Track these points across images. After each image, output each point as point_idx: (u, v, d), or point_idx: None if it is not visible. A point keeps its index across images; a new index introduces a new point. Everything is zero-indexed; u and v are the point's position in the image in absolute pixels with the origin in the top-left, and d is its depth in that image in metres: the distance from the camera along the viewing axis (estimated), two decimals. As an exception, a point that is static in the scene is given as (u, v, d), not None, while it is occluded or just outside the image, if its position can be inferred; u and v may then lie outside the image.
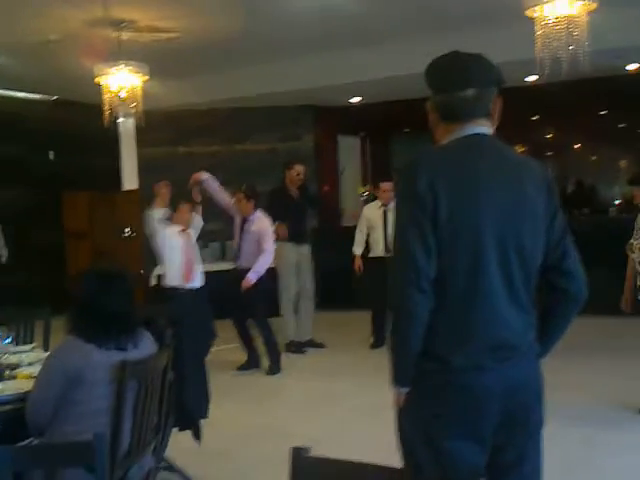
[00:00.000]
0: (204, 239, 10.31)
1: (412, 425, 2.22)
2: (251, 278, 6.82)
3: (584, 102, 11.04)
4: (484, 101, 2.22)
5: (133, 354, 3.08)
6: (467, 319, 2.13)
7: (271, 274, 7.35)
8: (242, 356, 7.25)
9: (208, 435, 4.42)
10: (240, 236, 7.16)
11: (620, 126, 13.80)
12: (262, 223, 7.07)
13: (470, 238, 2.10)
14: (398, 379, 2.22)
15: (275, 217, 7.50)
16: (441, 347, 2.14)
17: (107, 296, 3.08)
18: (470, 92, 2.19)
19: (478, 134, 2.21)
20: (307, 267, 8.10)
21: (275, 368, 7.08)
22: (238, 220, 7.18)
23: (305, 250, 8.08)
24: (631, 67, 9.25)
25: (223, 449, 4.88)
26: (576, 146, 17.40)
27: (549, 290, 2.29)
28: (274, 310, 7.76)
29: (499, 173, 2.16)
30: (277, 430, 5.34)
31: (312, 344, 8.04)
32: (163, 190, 8.23)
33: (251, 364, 7.19)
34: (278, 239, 7.56)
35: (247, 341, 7.21)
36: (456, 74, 2.22)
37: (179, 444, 4.16)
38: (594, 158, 17.71)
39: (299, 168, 8.15)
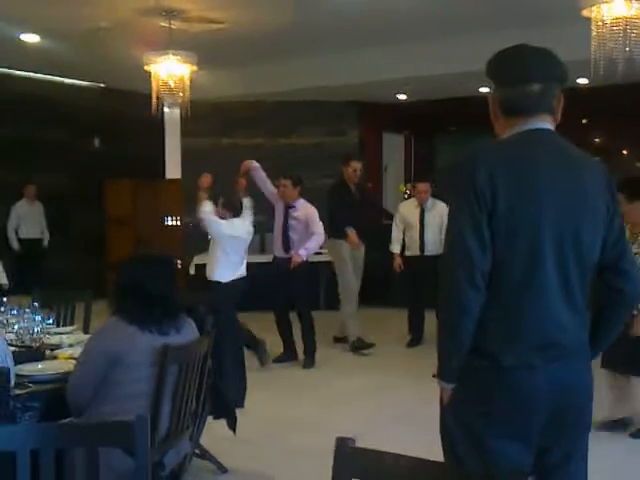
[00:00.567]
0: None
1: (456, 421, 2.19)
2: (302, 254, 6.80)
3: (635, 106, 10.84)
4: (547, 97, 2.17)
5: (175, 339, 3.09)
6: (519, 316, 2.09)
7: (318, 268, 7.37)
8: (279, 348, 7.25)
9: (241, 424, 4.42)
10: (284, 225, 7.11)
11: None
12: (307, 209, 7.06)
13: (528, 233, 2.06)
14: (445, 375, 2.19)
15: (336, 214, 7.48)
16: (491, 344, 2.10)
17: (151, 279, 3.10)
18: (534, 87, 2.15)
19: (540, 129, 2.17)
20: (360, 266, 7.95)
21: (310, 362, 7.06)
22: (281, 208, 7.11)
23: (361, 248, 7.88)
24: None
25: (255, 439, 4.88)
26: (624, 151, 17.10)
27: (603, 290, 2.24)
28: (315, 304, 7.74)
29: (560, 169, 2.12)
30: (310, 423, 5.34)
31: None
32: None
33: (288, 356, 7.18)
34: (352, 246, 7.57)
35: (286, 333, 7.20)
36: (521, 68, 2.17)
37: (212, 431, 4.17)
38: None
39: (355, 164, 7.91)
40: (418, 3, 7.06)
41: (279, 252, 7.14)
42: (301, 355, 7.14)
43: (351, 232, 7.52)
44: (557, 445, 2.17)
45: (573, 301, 2.13)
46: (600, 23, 5.43)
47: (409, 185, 11.35)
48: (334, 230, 7.56)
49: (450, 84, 9.87)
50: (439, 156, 13.70)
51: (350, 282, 7.74)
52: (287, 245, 7.06)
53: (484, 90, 10.36)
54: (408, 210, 7.90)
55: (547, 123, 2.18)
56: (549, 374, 2.09)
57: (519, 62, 2.18)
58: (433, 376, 2.24)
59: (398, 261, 7.85)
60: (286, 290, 6.99)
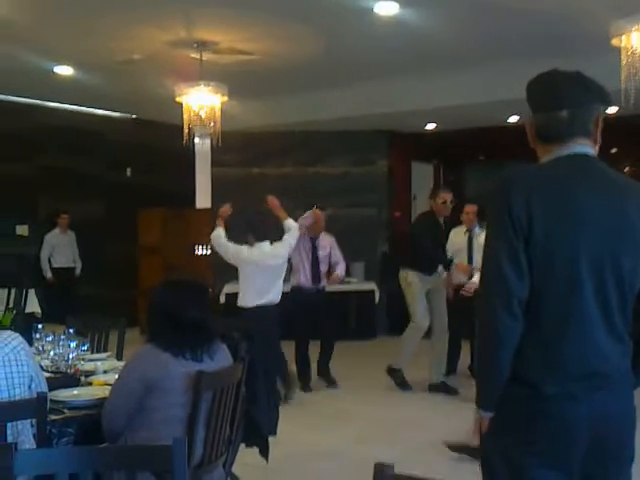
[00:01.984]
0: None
1: (496, 449, 2.16)
2: (340, 276, 7.11)
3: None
4: (580, 121, 2.16)
5: (209, 365, 3.10)
6: (560, 345, 2.06)
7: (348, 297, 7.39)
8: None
9: (273, 453, 4.40)
10: (314, 257, 7.14)
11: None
12: (329, 238, 7.21)
13: (566, 260, 2.04)
14: (483, 403, 2.17)
15: (422, 246, 7.02)
16: (531, 372, 2.08)
17: (184, 305, 3.11)
18: (564, 113, 2.15)
19: (578, 154, 2.16)
20: (440, 295, 7.22)
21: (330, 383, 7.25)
22: (307, 239, 7.14)
23: (437, 278, 7.16)
24: None
25: (287, 468, 4.87)
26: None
27: None
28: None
29: (600, 195, 2.10)
30: (343, 452, 5.32)
31: (446, 389, 7.07)
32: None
33: (304, 388, 7.18)
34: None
35: (305, 363, 7.23)
36: (550, 94, 2.19)
37: (244, 459, 4.16)
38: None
39: (445, 195, 7.12)
40: (447, 34, 7.09)
41: (306, 282, 7.16)
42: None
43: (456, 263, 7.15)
44: (599, 476, 2.13)
45: (614, 329, 2.10)
46: (630, 52, 5.45)
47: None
48: (415, 261, 7.11)
49: (479, 114, 9.88)
50: (468, 185, 13.67)
51: (418, 315, 7.07)
52: (317, 276, 7.11)
53: (513, 119, 10.38)
54: (458, 237, 7.52)
55: (585, 147, 2.17)
56: (592, 404, 2.06)
57: (550, 88, 2.20)
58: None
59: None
60: (312, 320, 7.01)
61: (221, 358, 3.25)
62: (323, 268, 7.15)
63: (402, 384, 7.20)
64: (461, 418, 5.98)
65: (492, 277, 2.07)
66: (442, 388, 7.05)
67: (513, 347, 2.05)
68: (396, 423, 6.19)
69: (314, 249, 7.12)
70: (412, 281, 7.05)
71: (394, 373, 7.23)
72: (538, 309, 2.05)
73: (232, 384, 3.26)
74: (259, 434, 4.21)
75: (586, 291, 2.05)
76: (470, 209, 7.52)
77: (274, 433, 4.64)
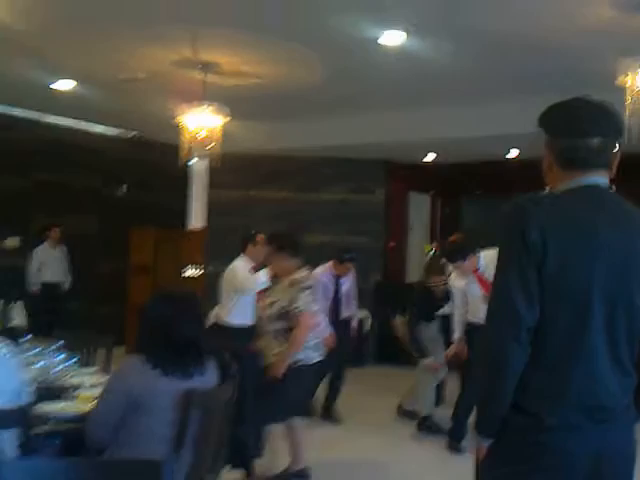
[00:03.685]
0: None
1: (493, 478, 2.11)
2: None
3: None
4: (606, 152, 2.14)
5: (198, 382, 3.04)
6: (565, 376, 2.02)
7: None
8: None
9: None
10: (336, 298, 7.21)
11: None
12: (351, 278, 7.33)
13: (578, 292, 2.00)
14: (482, 430, 2.12)
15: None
16: (533, 403, 2.03)
17: (180, 320, 3.05)
18: (594, 141, 2.11)
19: (596, 185, 2.13)
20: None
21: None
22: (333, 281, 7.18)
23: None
24: None
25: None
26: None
27: None
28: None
29: (616, 228, 2.07)
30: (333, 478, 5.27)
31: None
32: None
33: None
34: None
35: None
36: (584, 121, 2.14)
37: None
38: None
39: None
40: (451, 66, 7.10)
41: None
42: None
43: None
44: None
45: (620, 363, 2.07)
46: (635, 90, 5.46)
47: (435, 243, 11.35)
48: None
49: (478, 147, 9.90)
50: (465, 218, 13.69)
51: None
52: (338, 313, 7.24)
53: (512, 154, 10.40)
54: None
55: (603, 178, 2.15)
56: (594, 437, 2.02)
57: (580, 115, 2.16)
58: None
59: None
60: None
61: (211, 376, 3.19)
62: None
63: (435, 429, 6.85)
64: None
65: (501, 303, 2.03)
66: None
67: (517, 375, 2.01)
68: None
69: (337, 288, 7.24)
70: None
71: (422, 421, 6.95)
72: (545, 338, 2.01)
73: (222, 404, 3.20)
74: (245, 455, 4.14)
75: (595, 324, 2.01)
76: None
77: (260, 455, 4.56)
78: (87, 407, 3.25)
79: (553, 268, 1.98)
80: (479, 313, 5.94)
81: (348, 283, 7.30)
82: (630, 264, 2.06)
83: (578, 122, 2.14)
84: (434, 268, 7.25)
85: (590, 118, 2.14)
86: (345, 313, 7.32)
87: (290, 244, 5.18)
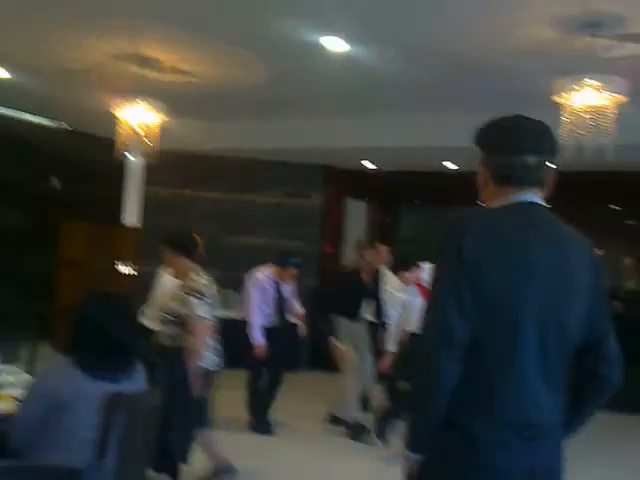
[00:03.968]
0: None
1: None
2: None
3: (599, 194, 11.06)
4: (541, 170, 2.14)
5: (126, 387, 2.96)
6: (497, 393, 2.01)
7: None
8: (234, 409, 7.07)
9: None
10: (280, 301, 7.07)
11: (630, 223, 13.77)
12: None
13: (510, 309, 2.00)
14: (413, 445, 2.09)
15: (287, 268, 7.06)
16: (465, 418, 2.01)
17: (112, 323, 2.97)
18: (531, 159, 2.11)
19: (531, 202, 2.13)
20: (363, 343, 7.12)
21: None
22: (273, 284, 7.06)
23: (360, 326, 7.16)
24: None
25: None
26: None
27: (583, 373, 2.17)
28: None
29: (547, 246, 2.07)
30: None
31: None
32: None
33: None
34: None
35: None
36: (520, 138, 2.14)
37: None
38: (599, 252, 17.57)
39: (382, 248, 7.28)
40: (390, 76, 7.12)
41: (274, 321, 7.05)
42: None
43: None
44: None
45: (552, 381, 2.07)
46: (570, 110, 5.52)
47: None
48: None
49: (415, 157, 9.95)
50: (402, 226, 13.77)
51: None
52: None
53: (449, 165, 10.48)
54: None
55: (537, 196, 2.15)
56: (524, 454, 2.02)
57: (516, 132, 2.15)
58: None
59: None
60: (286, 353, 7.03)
61: (139, 380, 3.12)
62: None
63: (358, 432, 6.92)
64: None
65: (434, 320, 2.02)
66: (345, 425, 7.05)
67: (449, 390, 1.99)
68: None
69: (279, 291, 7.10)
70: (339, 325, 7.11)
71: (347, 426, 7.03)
72: (478, 355, 2.00)
73: (148, 409, 3.11)
74: (170, 460, 4.05)
75: (527, 341, 2.01)
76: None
77: (185, 460, 4.46)
78: (8, 406, 3.17)
79: (486, 284, 1.98)
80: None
81: (290, 288, 7.11)
82: (562, 283, 2.06)
83: (514, 140, 2.14)
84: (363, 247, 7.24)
85: (526, 136, 2.14)
86: (289, 319, 7.20)
87: (184, 244, 4.98)
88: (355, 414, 6.97)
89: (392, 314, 6.38)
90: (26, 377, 3.89)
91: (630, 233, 13.50)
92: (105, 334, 2.95)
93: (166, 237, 5.06)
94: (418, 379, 2.06)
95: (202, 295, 4.69)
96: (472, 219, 2.09)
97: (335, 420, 7.15)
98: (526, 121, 2.17)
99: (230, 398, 7.18)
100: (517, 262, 2.02)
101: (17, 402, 3.15)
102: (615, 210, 13.19)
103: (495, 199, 2.17)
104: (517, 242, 2.04)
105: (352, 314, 7.02)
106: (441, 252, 2.07)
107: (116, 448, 2.91)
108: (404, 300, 6.18)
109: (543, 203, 2.16)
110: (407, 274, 5.98)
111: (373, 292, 6.99)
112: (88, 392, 2.87)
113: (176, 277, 4.97)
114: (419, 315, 5.89)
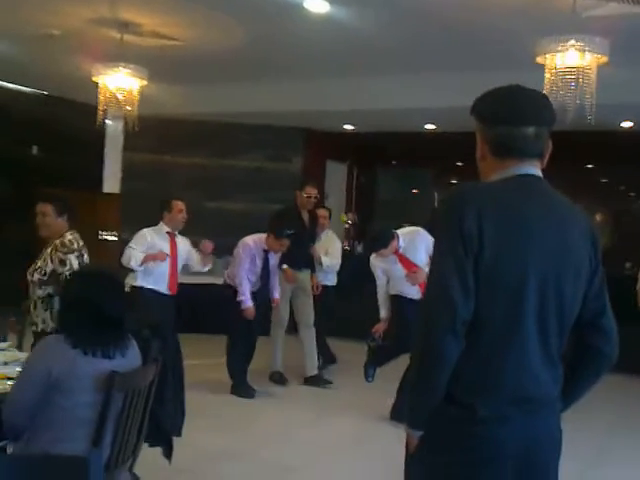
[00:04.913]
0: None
1: (424, 471, 2.11)
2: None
3: (571, 154, 11.13)
4: (541, 141, 2.11)
5: (120, 363, 2.96)
6: (496, 367, 2.02)
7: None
8: (216, 374, 7.12)
9: (177, 453, 4.27)
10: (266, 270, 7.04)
11: (603, 181, 13.91)
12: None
13: (513, 283, 1.99)
14: (414, 422, 2.10)
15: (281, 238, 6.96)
16: (467, 394, 2.03)
17: (105, 298, 2.96)
18: (530, 130, 2.08)
19: (530, 175, 2.11)
20: (306, 293, 7.55)
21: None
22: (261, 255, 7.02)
23: (305, 275, 7.59)
24: (626, 125, 9.40)
25: (189, 468, 4.73)
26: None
27: (580, 346, 2.19)
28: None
29: (548, 219, 2.07)
30: (248, 454, 5.23)
31: (319, 381, 7.38)
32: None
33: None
34: (287, 280, 7.36)
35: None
36: (519, 109, 2.09)
37: (145, 459, 4.02)
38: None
39: (311, 190, 7.58)
40: (373, 37, 7.08)
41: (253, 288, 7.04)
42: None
43: (286, 267, 7.34)
44: None
45: (550, 355, 2.08)
46: (554, 70, 5.57)
47: (350, 214, 11.37)
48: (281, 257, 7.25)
49: (396, 119, 9.96)
50: (379, 188, 13.80)
51: (281, 309, 7.45)
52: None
53: (430, 127, 10.50)
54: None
55: (537, 169, 2.13)
56: (522, 427, 2.04)
57: (516, 103, 2.11)
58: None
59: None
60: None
61: (132, 356, 3.10)
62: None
63: (280, 380, 7.40)
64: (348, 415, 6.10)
65: (438, 296, 1.99)
66: (317, 381, 7.34)
67: (451, 367, 2.00)
68: (291, 423, 6.19)
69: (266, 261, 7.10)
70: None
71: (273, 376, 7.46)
72: (479, 330, 2.00)
73: (145, 385, 3.13)
74: (164, 434, 4.07)
75: (528, 315, 2.01)
76: (322, 213, 7.98)
77: (179, 434, 4.50)
78: (1, 386, 3.15)
79: (488, 258, 1.97)
80: (403, 288, 6.04)
81: (276, 257, 7.07)
82: (563, 257, 2.06)
83: (514, 110, 2.10)
84: None
85: (526, 107, 2.10)
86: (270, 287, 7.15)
87: (56, 203, 5.00)
88: (312, 369, 7.41)
89: (378, 284, 6.41)
90: (18, 355, 3.86)
91: (603, 190, 13.65)
92: (95, 310, 2.93)
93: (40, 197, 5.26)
94: (421, 356, 2.03)
95: (79, 254, 4.87)
96: (473, 194, 2.06)
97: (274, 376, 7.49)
98: (524, 91, 2.13)
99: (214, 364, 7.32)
100: (518, 234, 2.01)
101: (8, 381, 3.15)
102: (590, 168, 13.31)
103: (494, 172, 2.14)
104: (518, 215, 2.03)
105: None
106: (442, 227, 2.04)
107: (113, 426, 2.93)
108: (385, 269, 6.21)
109: (541, 175, 2.14)
110: (387, 249, 5.99)
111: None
112: (82, 370, 2.86)
113: (48, 237, 5.11)
114: (402, 282, 5.97)
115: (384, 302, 6.29)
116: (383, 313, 6.33)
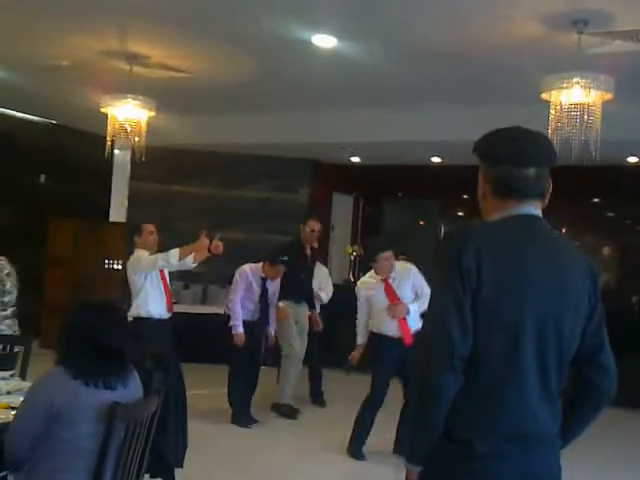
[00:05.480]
0: (185, 280, 10.21)
1: None
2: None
3: (577, 188, 11.17)
4: (542, 181, 2.14)
5: (122, 394, 2.96)
6: (494, 403, 2.03)
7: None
8: (215, 403, 7.07)
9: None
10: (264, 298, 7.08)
11: (609, 215, 13.93)
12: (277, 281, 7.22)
13: (510, 321, 2.01)
14: (413, 458, 2.11)
15: (285, 275, 7.09)
16: (462, 429, 2.03)
17: (107, 332, 2.96)
18: (531, 171, 2.11)
19: (531, 215, 2.13)
20: (299, 326, 7.61)
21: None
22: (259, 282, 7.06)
23: (303, 309, 7.65)
24: (632, 160, 9.45)
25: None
26: (563, 230, 17.55)
27: (579, 383, 2.20)
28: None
29: (547, 259, 2.08)
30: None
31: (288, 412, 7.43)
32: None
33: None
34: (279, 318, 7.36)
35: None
36: (521, 150, 2.12)
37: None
38: (577, 243, 17.75)
39: (314, 224, 7.62)
40: (381, 71, 7.14)
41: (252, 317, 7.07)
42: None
43: (282, 306, 7.37)
44: None
45: (549, 391, 2.09)
46: (558, 107, 5.59)
47: (356, 247, 11.37)
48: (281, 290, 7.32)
49: (402, 152, 10.02)
50: (386, 220, 13.82)
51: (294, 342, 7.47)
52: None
53: (436, 160, 10.56)
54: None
55: (537, 209, 2.15)
56: (520, 464, 2.04)
57: (517, 144, 2.13)
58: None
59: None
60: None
61: (134, 386, 3.11)
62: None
63: (289, 413, 7.34)
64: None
65: (436, 332, 2.01)
66: (284, 409, 7.34)
67: (449, 403, 2.01)
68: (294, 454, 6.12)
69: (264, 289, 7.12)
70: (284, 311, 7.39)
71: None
72: (477, 367, 2.01)
73: (147, 417, 3.12)
74: (165, 465, 4.06)
75: (527, 352, 2.02)
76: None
77: (180, 465, 4.48)
78: (4, 416, 3.14)
79: (486, 296, 1.98)
80: (382, 325, 6.01)
81: (275, 285, 7.13)
82: (561, 295, 2.07)
83: (515, 151, 2.13)
84: None
85: (527, 148, 2.13)
86: (271, 316, 7.20)
87: None
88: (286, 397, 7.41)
89: (359, 311, 6.40)
90: (22, 384, 3.85)
91: (609, 224, 13.69)
92: (96, 341, 2.93)
93: None
94: (419, 392, 2.05)
95: None
96: (473, 232, 2.09)
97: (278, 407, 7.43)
98: (525, 132, 2.16)
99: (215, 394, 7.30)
100: (517, 273, 2.03)
101: (11, 411, 3.14)
102: (596, 203, 13.35)
103: (495, 211, 2.16)
104: (516, 256, 2.05)
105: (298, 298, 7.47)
106: (441, 265, 2.07)
107: (114, 457, 2.92)
108: (369, 297, 6.21)
109: (541, 215, 2.16)
110: (385, 255, 5.99)
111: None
112: (84, 401, 2.86)
113: None
114: (383, 315, 5.97)
115: (363, 329, 6.30)
116: (360, 340, 6.34)
